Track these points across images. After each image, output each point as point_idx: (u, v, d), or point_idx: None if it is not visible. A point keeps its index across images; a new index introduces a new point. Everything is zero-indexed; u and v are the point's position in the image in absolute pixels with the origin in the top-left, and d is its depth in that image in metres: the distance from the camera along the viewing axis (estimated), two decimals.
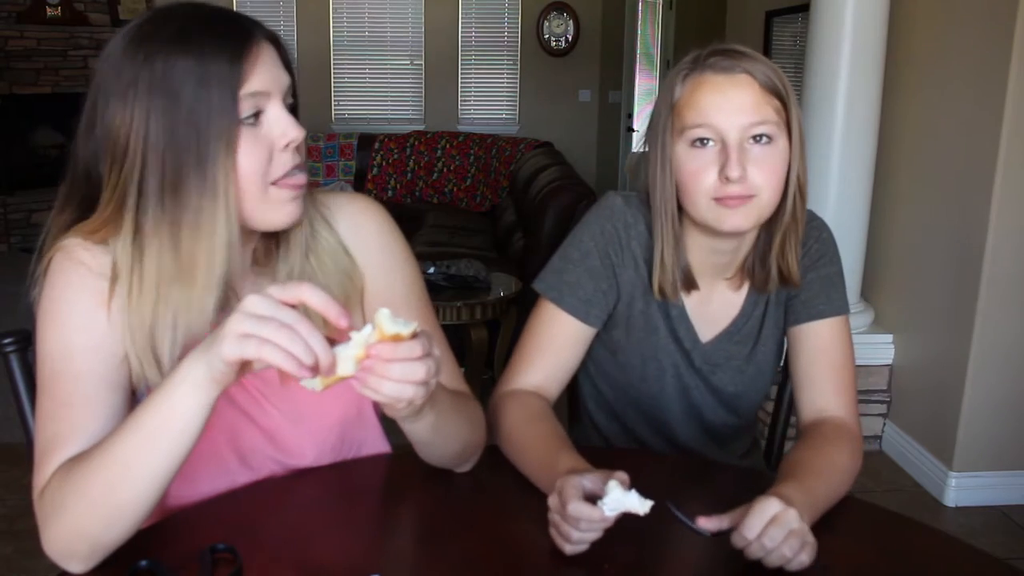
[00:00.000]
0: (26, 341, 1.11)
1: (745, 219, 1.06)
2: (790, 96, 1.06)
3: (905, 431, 2.80)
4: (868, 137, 2.74)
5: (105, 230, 0.90)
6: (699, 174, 1.05)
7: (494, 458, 1.07)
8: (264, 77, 0.88)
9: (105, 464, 0.80)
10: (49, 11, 5.67)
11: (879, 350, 2.84)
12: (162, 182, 0.86)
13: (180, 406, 0.78)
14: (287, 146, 0.89)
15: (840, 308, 1.17)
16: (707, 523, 0.87)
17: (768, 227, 1.12)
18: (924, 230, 2.71)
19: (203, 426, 0.80)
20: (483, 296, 3.03)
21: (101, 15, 5.99)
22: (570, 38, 6.98)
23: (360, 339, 0.76)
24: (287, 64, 0.93)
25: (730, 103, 1.03)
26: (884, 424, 2.90)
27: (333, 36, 6.78)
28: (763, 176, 1.04)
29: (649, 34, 6.37)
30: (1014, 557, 2.28)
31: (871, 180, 2.79)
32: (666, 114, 1.09)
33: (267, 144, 0.88)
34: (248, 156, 0.87)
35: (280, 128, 0.89)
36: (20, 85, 5.59)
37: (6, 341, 1.10)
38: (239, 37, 0.87)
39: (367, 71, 6.95)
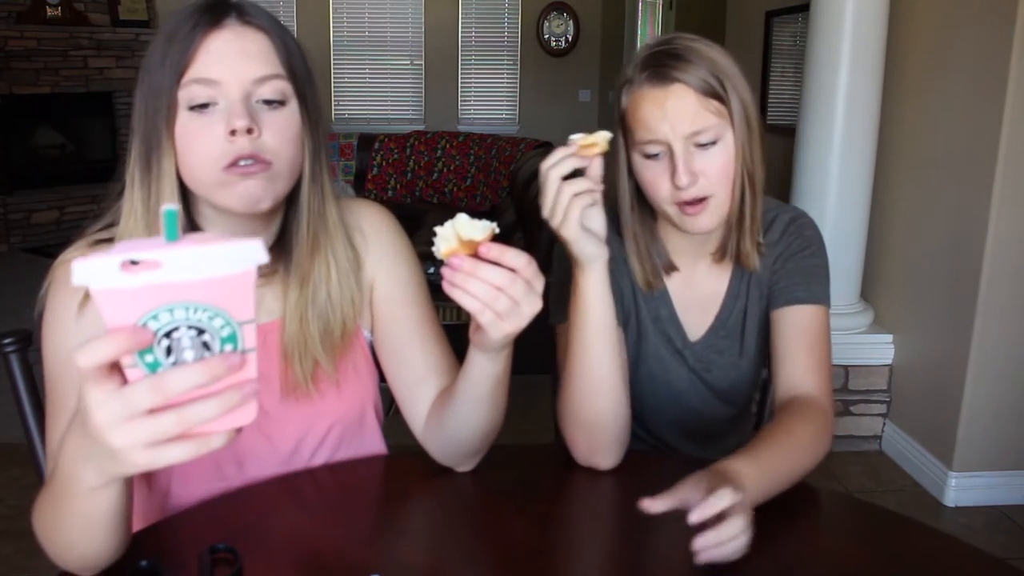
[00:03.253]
0: (26, 341, 1.11)
1: (708, 221, 1.09)
2: (730, 90, 1.05)
3: (905, 431, 2.80)
4: (868, 136, 2.74)
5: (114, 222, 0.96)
6: (655, 183, 1.08)
7: (494, 458, 1.07)
8: (215, 66, 0.88)
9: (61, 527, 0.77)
10: (49, 11, 5.67)
11: (879, 350, 2.84)
12: (139, 155, 0.92)
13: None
14: (233, 134, 0.88)
15: (819, 298, 1.16)
16: (651, 505, 0.85)
17: (731, 212, 1.13)
18: (924, 230, 2.71)
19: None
20: None
21: (101, 15, 5.99)
22: (570, 38, 6.98)
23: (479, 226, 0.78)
24: (287, 58, 0.92)
25: (669, 115, 1.04)
26: (884, 424, 2.90)
27: (333, 36, 6.79)
28: (713, 178, 1.06)
29: (649, 34, 6.36)
30: (1014, 557, 2.28)
31: (871, 180, 2.79)
32: (617, 123, 1.11)
33: (215, 131, 0.88)
34: (189, 142, 0.89)
35: (226, 116, 0.88)
36: (20, 85, 5.59)
37: (6, 341, 1.11)
38: (203, 24, 0.89)
39: (367, 71, 6.95)
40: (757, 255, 1.16)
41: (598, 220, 0.99)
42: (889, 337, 2.85)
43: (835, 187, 2.74)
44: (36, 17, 5.62)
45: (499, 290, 0.79)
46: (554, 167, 0.96)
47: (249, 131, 0.88)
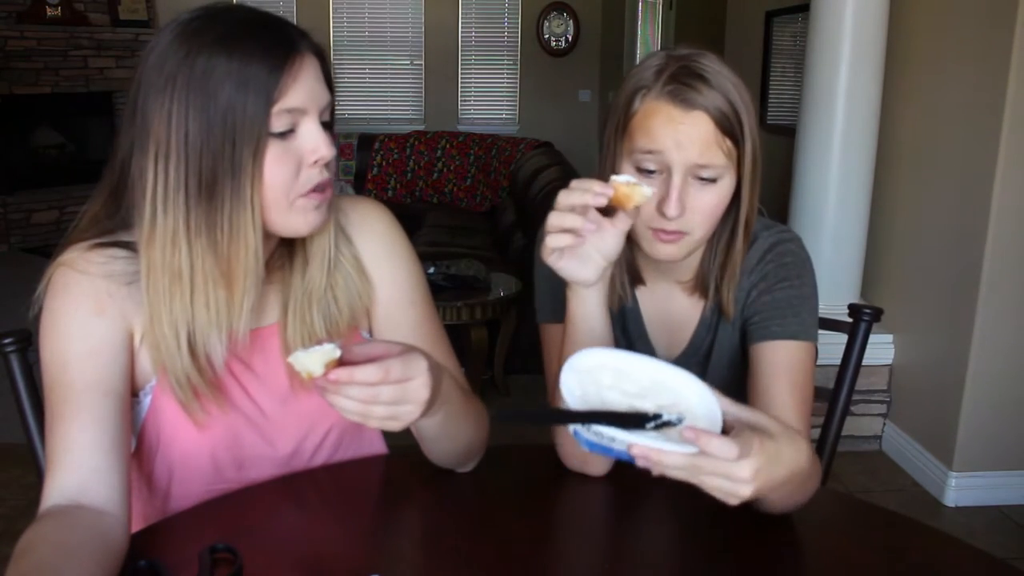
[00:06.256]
0: (26, 341, 1.11)
1: (677, 251, 1.04)
2: (746, 131, 1.01)
3: (905, 431, 2.80)
4: (868, 137, 2.74)
5: (117, 227, 0.92)
6: None
7: (495, 458, 1.07)
8: (302, 93, 0.87)
9: None
10: (49, 11, 5.67)
11: (879, 350, 2.84)
12: (198, 181, 0.86)
13: None
14: (316, 163, 0.89)
15: (796, 333, 1.07)
16: (690, 434, 0.70)
17: (712, 250, 1.10)
18: (924, 230, 2.71)
19: None
20: (483, 296, 3.03)
21: (101, 15, 5.99)
22: (570, 38, 6.98)
23: (324, 353, 0.76)
24: (328, 81, 0.92)
25: (681, 138, 0.98)
26: (884, 424, 2.90)
27: (333, 36, 6.79)
28: (700, 216, 1.01)
29: (649, 34, 6.37)
30: (1014, 557, 2.28)
31: (871, 180, 2.79)
32: (618, 126, 1.05)
33: (296, 159, 0.88)
34: (275, 169, 0.87)
35: (311, 144, 0.88)
36: (20, 85, 5.59)
37: (6, 341, 1.10)
38: (283, 48, 0.86)
39: (367, 71, 6.95)
40: (734, 303, 1.12)
41: (589, 269, 0.96)
42: (889, 337, 2.85)
43: (835, 187, 2.74)
44: (36, 17, 5.62)
45: (368, 403, 0.77)
46: (562, 214, 0.91)
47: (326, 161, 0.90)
